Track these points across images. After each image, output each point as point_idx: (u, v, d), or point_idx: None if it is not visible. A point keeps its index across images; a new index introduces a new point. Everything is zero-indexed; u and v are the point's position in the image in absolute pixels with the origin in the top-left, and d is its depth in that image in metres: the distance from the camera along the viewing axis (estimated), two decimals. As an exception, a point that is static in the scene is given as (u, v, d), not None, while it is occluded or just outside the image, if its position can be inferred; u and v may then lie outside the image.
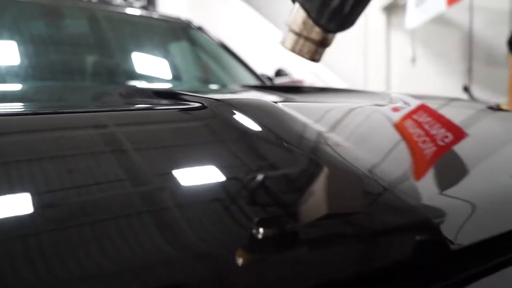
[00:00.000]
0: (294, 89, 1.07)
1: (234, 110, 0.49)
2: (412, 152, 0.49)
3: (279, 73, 2.56)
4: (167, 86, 1.67)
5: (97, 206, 0.29)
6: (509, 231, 0.34)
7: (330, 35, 0.29)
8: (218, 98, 0.53)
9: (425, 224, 0.33)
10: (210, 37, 2.13)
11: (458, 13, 3.89)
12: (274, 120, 0.48)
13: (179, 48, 2.07)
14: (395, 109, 0.68)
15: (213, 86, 1.63)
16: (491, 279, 0.30)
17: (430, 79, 4.22)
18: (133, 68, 1.70)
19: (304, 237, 0.29)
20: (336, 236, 0.30)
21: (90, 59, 1.67)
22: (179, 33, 2.11)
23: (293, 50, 0.28)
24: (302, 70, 4.32)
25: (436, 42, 4.23)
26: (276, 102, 0.53)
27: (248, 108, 0.49)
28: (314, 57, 0.29)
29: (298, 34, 0.28)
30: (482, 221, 0.35)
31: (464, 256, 0.31)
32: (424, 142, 0.52)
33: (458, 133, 0.60)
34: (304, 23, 0.28)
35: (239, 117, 0.47)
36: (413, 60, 4.42)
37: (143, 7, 2.16)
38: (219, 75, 1.96)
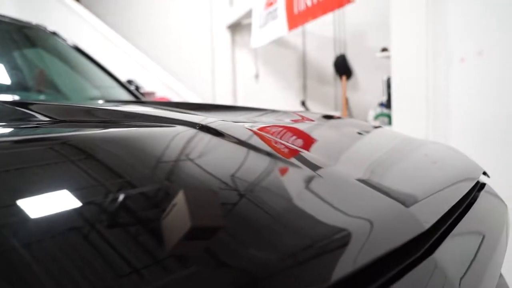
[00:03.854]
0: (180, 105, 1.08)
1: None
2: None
3: (129, 84, 2.50)
4: (16, 97, 1.49)
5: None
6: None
7: None
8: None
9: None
10: (68, 44, 1.98)
11: (293, 36, 4.39)
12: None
13: (32, 55, 1.86)
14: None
15: (98, 100, 1.52)
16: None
17: (272, 94, 4.65)
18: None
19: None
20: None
21: None
22: (30, 39, 1.90)
23: None
24: (152, 82, 4.27)
25: (276, 61, 4.69)
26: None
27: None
28: None
29: None
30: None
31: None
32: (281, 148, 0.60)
33: (308, 138, 0.73)
34: None
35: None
36: (256, 76, 4.80)
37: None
38: (83, 86, 1.84)
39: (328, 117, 1.10)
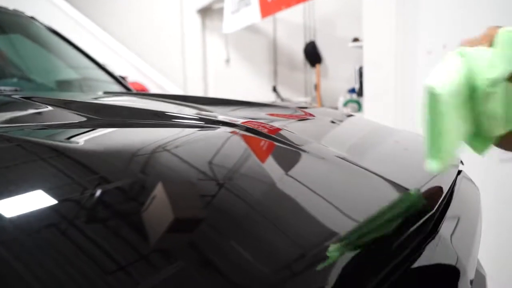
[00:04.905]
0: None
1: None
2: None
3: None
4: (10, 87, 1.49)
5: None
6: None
7: None
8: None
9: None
10: (47, 29, 1.95)
11: (264, 22, 4.45)
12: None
13: (12, 41, 1.84)
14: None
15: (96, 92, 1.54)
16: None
17: (243, 79, 4.71)
18: None
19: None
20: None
21: None
22: (8, 24, 1.86)
23: None
24: (123, 66, 4.22)
25: (247, 46, 4.74)
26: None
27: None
28: None
29: None
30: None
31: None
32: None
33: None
34: None
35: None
36: (227, 61, 4.84)
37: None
38: (66, 73, 1.84)
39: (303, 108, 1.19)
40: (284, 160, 0.53)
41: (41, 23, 1.96)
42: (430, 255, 0.47)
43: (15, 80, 1.63)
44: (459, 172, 0.89)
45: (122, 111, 0.69)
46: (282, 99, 4.36)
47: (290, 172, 0.50)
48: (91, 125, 0.57)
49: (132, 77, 4.10)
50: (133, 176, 0.42)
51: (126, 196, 0.38)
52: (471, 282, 0.52)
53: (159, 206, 0.36)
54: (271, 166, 0.50)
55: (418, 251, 0.46)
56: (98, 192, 0.36)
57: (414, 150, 0.90)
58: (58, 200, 0.34)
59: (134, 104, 0.78)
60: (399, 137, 0.98)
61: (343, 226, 0.42)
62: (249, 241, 0.35)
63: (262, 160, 0.51)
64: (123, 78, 2.13)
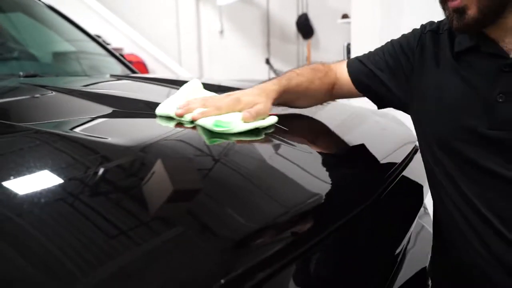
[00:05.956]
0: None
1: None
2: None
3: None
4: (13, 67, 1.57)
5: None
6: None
7: None
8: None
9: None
10: (48, 7, 2.02)
11: (257, -6, 4.51)
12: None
13: (13, 19, 1.91)
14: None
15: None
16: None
17: (237, 51, 4.80)
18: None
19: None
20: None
21: None
22: (10, 3, 1.93)
23: None
24: (120, 38, 4.29)
25: (240, 18, 4.79)
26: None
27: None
28: None
29: None
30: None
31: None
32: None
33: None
34: None
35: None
36: (221, 32, 4.91)
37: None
38: (72, 51, 1.94)
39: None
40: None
41: (41, 1, 2.03)
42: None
43: (17, 57, 1.71)
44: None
45: (138, 104, 0.83)
46: (275, 71, 4.47)
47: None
48: (120, 116, 0.72)
49: (127, 49, 4.18)
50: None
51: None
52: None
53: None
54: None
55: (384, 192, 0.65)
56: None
57: (391, 131, 1.07)
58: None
59: (144, 95, 0.91)
60: (376, 120, 1.14)
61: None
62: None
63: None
64: (121, 54, 2.23)
